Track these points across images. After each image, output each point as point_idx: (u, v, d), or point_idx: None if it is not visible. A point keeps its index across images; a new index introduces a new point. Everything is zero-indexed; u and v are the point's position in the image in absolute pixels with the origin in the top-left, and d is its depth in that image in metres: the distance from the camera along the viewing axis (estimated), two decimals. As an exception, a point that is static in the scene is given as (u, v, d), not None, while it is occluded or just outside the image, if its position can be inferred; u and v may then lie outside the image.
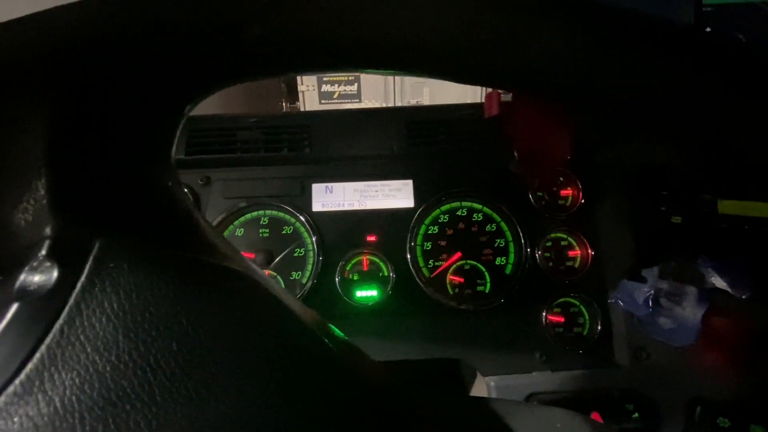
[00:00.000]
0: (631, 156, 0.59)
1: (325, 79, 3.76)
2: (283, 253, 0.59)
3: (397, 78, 3.66)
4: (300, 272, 0.59)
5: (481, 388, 0.59)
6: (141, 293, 0.19)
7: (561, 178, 0.60)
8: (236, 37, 0.19)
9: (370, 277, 0.59)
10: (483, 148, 0.61)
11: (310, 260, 0.59)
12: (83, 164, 0.20)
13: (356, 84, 3.70)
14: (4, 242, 0.19)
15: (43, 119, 0.19)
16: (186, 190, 0.60)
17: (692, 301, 0.52)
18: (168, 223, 0.23)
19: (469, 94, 3.02)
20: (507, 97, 0.56)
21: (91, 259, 0.18)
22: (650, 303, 0.52)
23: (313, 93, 3.63)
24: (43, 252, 0.18)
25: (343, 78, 3.70)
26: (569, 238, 0.60)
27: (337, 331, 0.27)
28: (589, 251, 0.59)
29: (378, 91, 3.62)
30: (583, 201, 0.60)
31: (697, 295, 0.52)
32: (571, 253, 0.60)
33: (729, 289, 0.52)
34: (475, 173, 0.61)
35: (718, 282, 0.53)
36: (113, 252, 0.19)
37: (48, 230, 0.19)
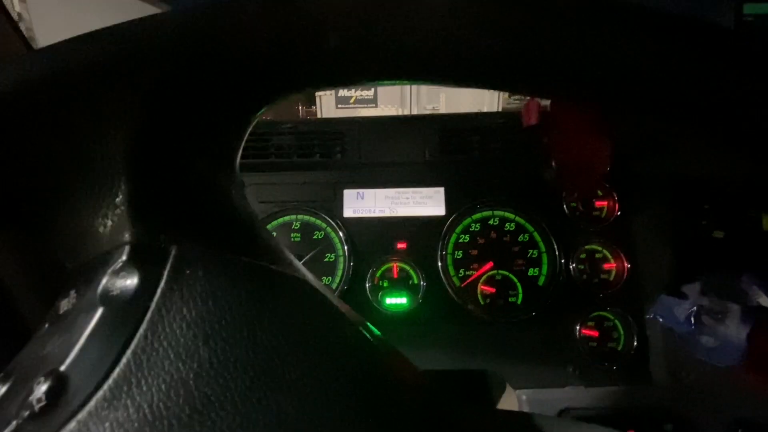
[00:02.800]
0: (671, 168, 0.57)
1: (341, 84, 3.79)
2: (309, 255, 0.59)
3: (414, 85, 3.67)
4: (330, 277, 0.59)
5: (510, 400, 0.58)
6: (217, 300, 0.19)
7: (600, 192, 0.59)
8: (314, 48, 0.19)
9: (400, 284, 0.59)
10: (516, 157, 0.61)
11: (341, 266, 0.59)
12: (161, 171, 0.20)
13: (372, 89, 3.73)
14: (85, 247, 0.20)
15: (124, 127, 0.19)
16: None
17: (736, 319, 0.50)
18: (236, 229, 0.23)
19: (486, 100, 3.01)
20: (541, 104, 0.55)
21: (169, 264, 0.19)
22: (692, 320, 0.51)
23: (329, 97, 3.66)
24: (124, 257, 0.18)
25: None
26: (604, 251, 0.59)
27: (375, 330, 0.27)
28: (625, 264, 0.57)
29: (394, 96, 3.64)
30: (619, 213, 0.59)
31: (742, 313, 0.50)
32: (606, 266, 0.58)
33: (776, 308, 0.50)
34: (508, 182, 0.61)
35: (764, 300, 0.51)
36: (189, 258, 0.19)
37: (128, 236, 0.19)
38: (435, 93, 3.76)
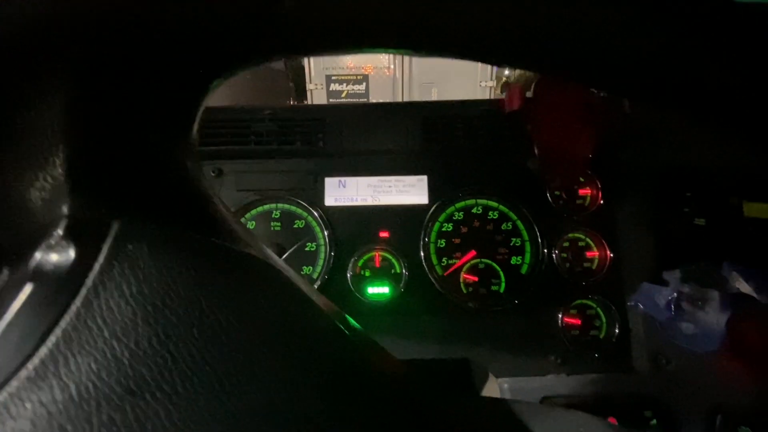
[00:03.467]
0: (653, 156, 0.57)
1: (333, 78, 3.76)
2: (294, 247, 0.58)
3: (406, 77, 3.65)
4: (311, 267, 0.58)
5: (493, 389, 0.57)
6: (161, 277, 0.18)
7: (582, 178, 0.58)
8: (267, 10, 0.18)
9: (382, 273, 0.58)
10: (500, 145, 0.60)
11: (322, 255, 0.58)
12: (102, 141, 0.19)
13: (364, 83, 3.70)
14: (19, 220, 0.18)
15: (61, 92, 0.18)
16: None
17: (716, 306, 0.50)
18: (189, 205, 0.22)
19: (479, 94, 3.00)
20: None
21: (109, 240, 0.17)
22: (672, 307, 0.51)
23: (321, 91, 3.63)
24: (60, 232, 0.17)
25: (351, 77, 3.70)
26: (587, 239, 0.59)
27: (353, 321, 0.26)
28: (608, 253, 0.57)
29: (386, 90, 3.62)
30: (602, 201, 0.58)
31: (721, 300, 0.50)
32: (589, 254, 0.58)
33: (754, 295, 0.50)
34: (492, 170, 0.60)
35: (743, 287, 0.51)
36: (133, 233, 0.18)
37: (65, 209, 0.18)
38: (427, 88, 3.75)
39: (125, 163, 0.20)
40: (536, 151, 0.54)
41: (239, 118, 0.60)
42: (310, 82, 3.46)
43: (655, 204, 0.57)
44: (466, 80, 3.38)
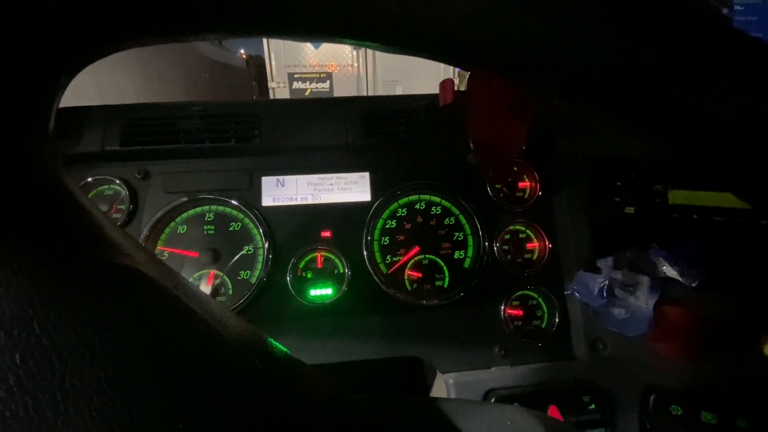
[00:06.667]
0: (587, 148, 0.59)
1: (296, 76, 3.69)
2: (234, 255, 0.55)
3: (370, 76, 3.63)
4: (249, 271, 0.56)
5: (439, 385, 0.57)
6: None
7: (515, 168, 0.59)
8: None
9: (324, 274, 0.56)
10: (442, 140, 0.60)
11: (260, 258, 0.56)
12: None
13: (328, 81, 3.66)
14: None
15: None
16: (122, 184, 0.55)
17: (645, 291, 0.52)
18: (44, 209, 0.19)
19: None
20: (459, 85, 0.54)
21: None
22: (604, 293, 0.52)
23: (284, 90, 3.55)
24: None
25: (314, 75, 3.64)
26: (527, 231, 0.59)
27: (276, 344, 0.25)
28: (547, 243, 0.58)
29: (351, 88, 3.59)
30: (540, 193, 0.59)
31: (650, 284, 0.52)
32: (529, 246, 0.59)
33: (679, 278, 0.53)
34: (434, 165, 0.60)
35: (669, 271, 0.53)
36: None
37: None
38: (392, 86, 3.74)
39: None
40: (471, 144, 0.54)
41: (166, 116, 0.56)
42: (272, 80, 3.38)
43: (589, 194, 0.59)
44: (430, 77, 3.40)
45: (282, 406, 0.22)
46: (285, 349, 0.26)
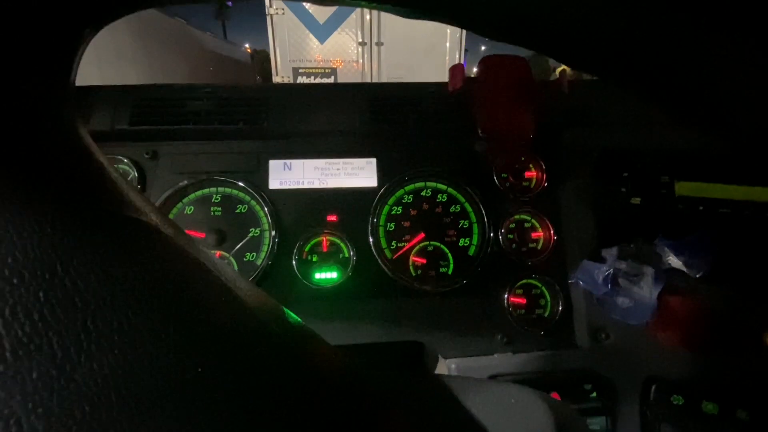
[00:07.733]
0: (594, 138, 0.59)
1: (301, 71, 3.69)
2: (240, 237, 0.56)
3: (375, 71, 3.63)
4: (254, 253, 0.56)
5: (442, 370, 0.57)
6: (5, 235, 0.15)
7: (522, 157, 0.59)
8: None
9: (329, 258, 0.56)
10: (449, 128, 0.60)
11: (266, 241, 0.56)
12: None
13: (333, 77, 3.66)
14: None
15: None
16: (131, 163, 0.55)
17: (649, 281, 0.52)
18: (60, 160, 0.19)
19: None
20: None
21: None
22: (609, 283, 0.52)
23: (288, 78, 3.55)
24: None
25: (319, 70, 3.64)
26: (533, 220, 0.59)
27: (290, 313, 0.25)
28: (552, 233, 0.58)
29: (356, 76, 3.58)
30: (546, 183, 0.59)
31: (654, 274, 0.52)
32: (534, 235, 0.59)
33: (684, 269, 0.53)
34: (441, 153, 0.60)
35: (674, 261, 0.54)
36: None
37: None
38: (397, 81, 3.73)
39: None
40: (479, 131, 0.54)
41: (176, 97, 0.57)
42: (277, 75, 3.38)
43: (596, 185, 0.59)
44: (434, 73, 3.40)
45: (299, 369, 0.22)
46: (299, 319, 0.26)
